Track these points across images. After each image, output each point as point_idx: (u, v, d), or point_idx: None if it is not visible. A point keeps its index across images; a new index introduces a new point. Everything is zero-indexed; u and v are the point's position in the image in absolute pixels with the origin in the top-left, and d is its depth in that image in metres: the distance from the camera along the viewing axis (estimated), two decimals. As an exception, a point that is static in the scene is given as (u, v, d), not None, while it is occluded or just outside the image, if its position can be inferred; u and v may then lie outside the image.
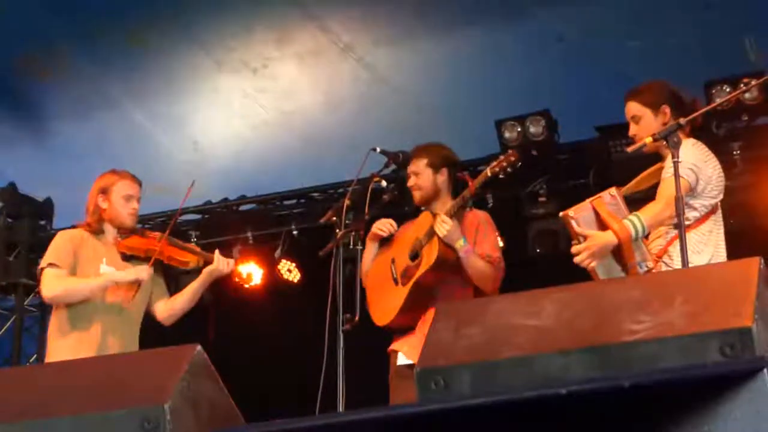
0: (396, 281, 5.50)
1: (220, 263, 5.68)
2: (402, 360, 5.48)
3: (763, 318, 2.87)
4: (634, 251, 4.66)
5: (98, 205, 5.70)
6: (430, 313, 5.44)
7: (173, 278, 6.11)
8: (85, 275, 5.59)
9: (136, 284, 5.55)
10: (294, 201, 8.40)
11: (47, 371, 3.83)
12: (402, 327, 5.48)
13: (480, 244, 5.50)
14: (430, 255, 5.43)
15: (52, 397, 3.34)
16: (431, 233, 5.42)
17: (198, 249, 5.91)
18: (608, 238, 4.67)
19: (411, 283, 5.44)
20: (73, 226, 5.83)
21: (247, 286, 8.17)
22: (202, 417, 3.22)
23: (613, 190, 4.84)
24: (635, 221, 4.67)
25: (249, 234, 8.27)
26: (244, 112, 8.62)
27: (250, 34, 8.21)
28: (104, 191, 5.70)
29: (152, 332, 6.00)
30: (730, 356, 2.79)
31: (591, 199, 4.81)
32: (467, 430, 2.91)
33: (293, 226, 8.15)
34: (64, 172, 8.63)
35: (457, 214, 5.43)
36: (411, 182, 5.63)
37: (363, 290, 5.43)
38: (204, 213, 8.58)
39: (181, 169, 8.80)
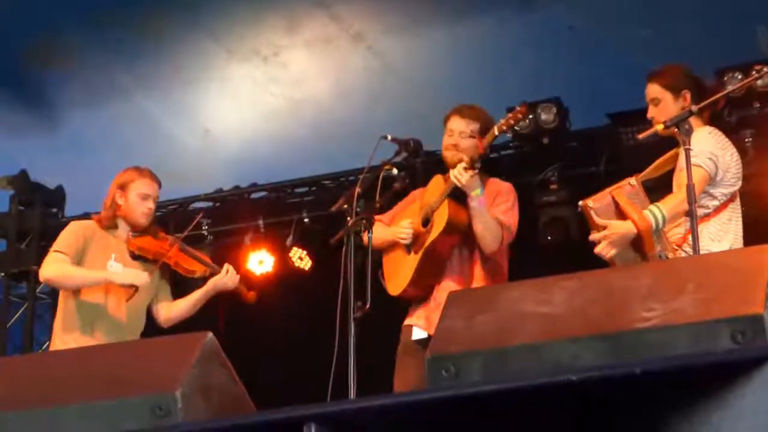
0: (409, 250, 5.47)
1: (227, 277, 5.71)
2: (417, 334, 5.42)
3: (774, 305, 2.87)
4: (654, 242, 4.63)
5: (115, 201, 5.73)
6: (444, 282, 5.42)
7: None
8: (92, 268, 5.62)
9: (132, 288, 5.56)
10: (305, 189, 8.40)
11: (59, 359, 3.84)
12: (416, 297, 5.44)
13: (493, 208, 5.44)
14: (440, 220, 5.37)
15: (63, 385, 3.35)
16: (442, 196, 5.39)
17: (208, 260, 5.92)
18: (628, 227, 4.64)
19: (422, 250, 5.40)
20: (88, 217, 5.85)
21: (258, 273, 8.19)
22: (213, 404, 3.23)
23: (633, 180, 4.79)
24: (656, 212, 4.64)
25: (260, 222, 8.28)
26: (254, 101, 8.63)
27: (260, 22, 8.21)
28: (122, 187, 5.73)
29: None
30: (742, 343, 2.79)
31: (611, 188, 4.76)
32: (478, 417, 2.91)
33: (304, 214, 8.15)
34: (74, 160, 8.66)
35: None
36: (453, 141, 5.50)
37: (374, 278, 5.37)
38: (215, 201, 8.59)
39: (192, 157, 8.81)
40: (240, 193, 8.51)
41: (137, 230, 5.73)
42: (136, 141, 8.78)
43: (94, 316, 5.58)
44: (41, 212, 8.77)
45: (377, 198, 5.29)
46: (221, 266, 5.76)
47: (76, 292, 5.61)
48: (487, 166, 7.55)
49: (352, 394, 4.78)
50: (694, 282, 3.00)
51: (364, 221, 5.15)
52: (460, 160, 5.44)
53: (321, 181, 8.32)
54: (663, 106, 4.91)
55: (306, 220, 8.12)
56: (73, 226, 5.76)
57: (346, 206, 5.24)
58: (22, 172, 8.70)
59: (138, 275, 5.58)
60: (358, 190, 5.23)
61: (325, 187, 8.29)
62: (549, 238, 7.49)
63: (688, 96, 4.88)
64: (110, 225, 5.72)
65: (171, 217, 8.58)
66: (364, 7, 8.10)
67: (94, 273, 5.57)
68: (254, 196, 8.54)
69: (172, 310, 5.80)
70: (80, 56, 8.44)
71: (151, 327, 5.85)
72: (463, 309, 3.24)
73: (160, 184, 5.80)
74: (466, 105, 5.64)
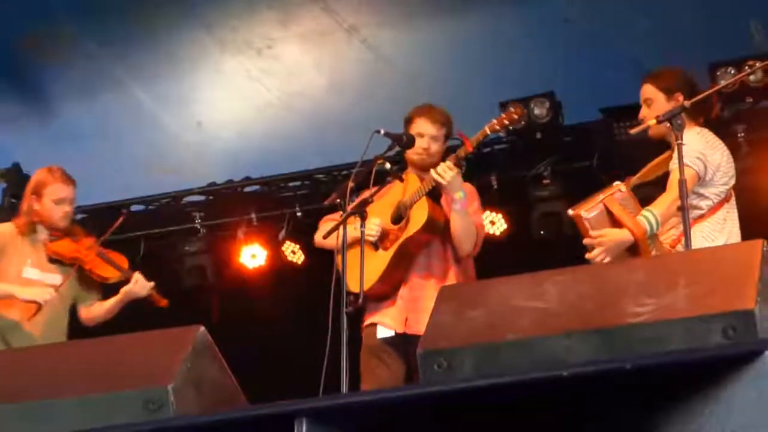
0: (376, 247, 5.45)
1: (136, 286, 5.76)
2: (382, 333, 5.40)
3: (765, 300, 2.88)
4: (649, 247, 4.64)
5: (31, 206, 5.77)
6: (413, 280, 5.42)
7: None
8: (7, 274, 5.66)
9: (35, 305, 5.58)
10: (298, 182, 8.39)
11: (51, 353, 3.85)
12: (379, 295, 5.41)
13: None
14: (418, 216, 5.36)
15: (56, 379, 3.35)
16: (419, 194, 5.38)
17: (124, 266, 5.94)
18: (623, 235, 4.63)
19: (396, 246, 5.39)
20: (10, 220, 5.89)
21: (250, 267, 8.19)
22: (206, 398, 3.23)
23: (622, 186, 4.79)
24: (649, 217, 4.65)
25: (253, 215, 8.27)
26: (248, 93, 8.60)
27: (254, 14, 8.19)
28: (36, 192, 5.77)
29: (156, 314, 6.02)
30: (733, 339, 2.81)
31: (602, 197, 4.73)
32: (470, 412, 2.92)
33: (297, 208, 8.15)
34: (68, 153, 8.61)
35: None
36: (425, 145, 5.49)
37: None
38: (208, 194, 8.58)
39: (185, 150, 8.80)
40: (233, 186, 8.51)
41: (56, 233, 5.78)
42: (130, 133, 8.76)
43: (5, 330, 5.64)
44: (34, 205, 8.75)
45: (370, 192, 5.29)
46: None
47: None
48: (480, 160, 7.60)
49: (344, 389, 4.78)
50: (686, 277, 3.01)
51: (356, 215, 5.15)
52: (431, 164, 5.45)
53: (314, 175, 8.31)
54: (655, 107, 4.94)
55: (299, 214, 8.11)
56: None
57: (339, 200, 5.23)
58: (15, 165, 8.69)
59: (39, 292, 5.60)
60: (351, 184, 5.22)
61: (318, 181, 8.29)
62: (542, 232, 7.48)
63: (681, 98, 4.89)
64: (28, 230, 5.76)
65: (164, 209, 8.59)
66: (358, 0, 8.08)
67: None
68: (247, 189, 8.53)
69: (91, 311, 5.87)
70: (74, 47, 8.41)
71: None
72: (455, 304, 3.25)
73: (75, 184, 5.82)
74: (434, 107, 5.62)
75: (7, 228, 5.79)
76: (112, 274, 5.84)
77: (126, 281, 5.81)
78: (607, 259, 4.64)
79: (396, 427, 2.93)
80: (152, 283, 5.86)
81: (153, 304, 5.94)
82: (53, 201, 5.73)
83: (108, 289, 6.00)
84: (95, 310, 5.87)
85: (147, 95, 8.69)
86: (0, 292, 5.60)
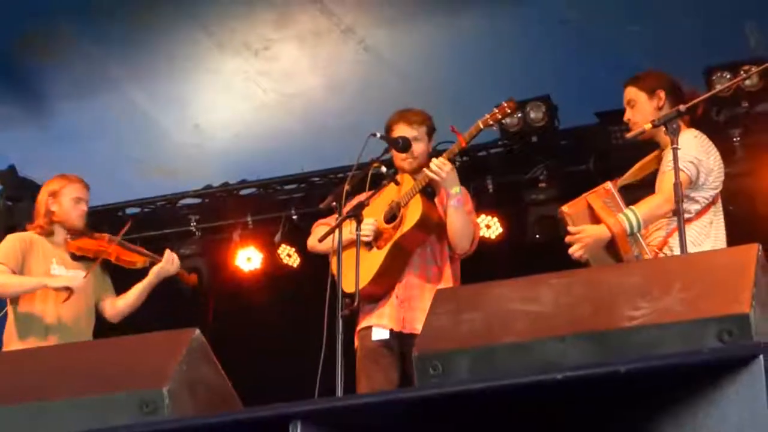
0: (370, 247, 5.45)
1: (167, 263, 5.92)
2: (378, 335, 5.39)
3: (760, 304, 2.88)
4: (630, 245, 4.68)
5: (48, 208, 5.92)
6: (408, 279, 5.41)
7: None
8: (35, 275, 5.78)
9: (68, 291, 5.70)
10: (294, 185, 8.39)
11: (47, 354, 3.85)
12: (374, 295, 5.40)
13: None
14: (412, 214, 5.36)
15: (51, 380, 3.35)
16: (412, 192, 5.37)
17: (145, 251, 6.13)
18: (601, 231, 4.70)
19: (390, 245, 5.37)
20: (24, 230, 6.02)
21: (246, 270, 8.19)
22: (201, 400, 3.23)
23: (608, 185, 4.86)
24: (630, 216, 4.69)
25: (249, 218, 8.27)
26: (244, 95, 8.60)
27: (252, 15, 8.19)
28: (54, 195, 5.94)
29: (151, 315, 6.03)
30: (728, 342, 2.81)
31: (586, 194, 4.83)
32: (465, 415, 2.92)
33: (293, 211, 8.14)
34: (64, 154, 8.63)
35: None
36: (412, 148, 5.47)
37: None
38: (204, 197, 8.58)
39: (182, 151, 8.80)
40: (229, 189, 8.50)
41: (74, 232, 5.92)
42: (126, 135, 8.76)
43: (46, 323, 5.73)
44: (29, 207, 8.73)
45: (366, 196, 5.29)
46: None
47: (29, 300, 5.75)
48: (476, 164, 7.60)
49: (339, 392, 4.78)
50: (682, 281, 3.01)
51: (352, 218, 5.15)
52: (420, 166, 5.44)
53: (310, 178, 8.31)
54: (638, 107, 5.00)
55: (295, 217, 8.11)
56: (9, 239, 5.94)
57: (335, 203, 5.23)
58: (11, 167, 8.69)
59: (72, 278, 5.78)
60: (346, 187, 5.23)
61: (314, 184, 8.29)
62: (537, 236, 7.49)
63: (663, 95, 4.94)
64: (47, 232, 5.91)
65: (160, 211, 8.58)
66: (356, 1, 8.08)
67: (30, 280, 5.75)
68: (243, 192, 8.53)
69: (117, 304, 5.99)
70: (71, 48, 8.41)
71: (102, 325, 5.99)
72: (451, 307, 3.25)
73: (88, 188, 6.02)
74: (409, 110, 5.62)
75: (25, 234, 5.96)
76: (138, 259, 6.02)
77: (151, 265, 5.96)
78: (586, 255, 4.70)
79: (391, 429, 2.94)
80: (177, 258, 6.05)
81: (182, 281, 6.17)
82: (72, 200, 5.92)
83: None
84: (123, 301, 5.98)
85: (144, 96, 8.69)
86: (32, 284, 5.74)
